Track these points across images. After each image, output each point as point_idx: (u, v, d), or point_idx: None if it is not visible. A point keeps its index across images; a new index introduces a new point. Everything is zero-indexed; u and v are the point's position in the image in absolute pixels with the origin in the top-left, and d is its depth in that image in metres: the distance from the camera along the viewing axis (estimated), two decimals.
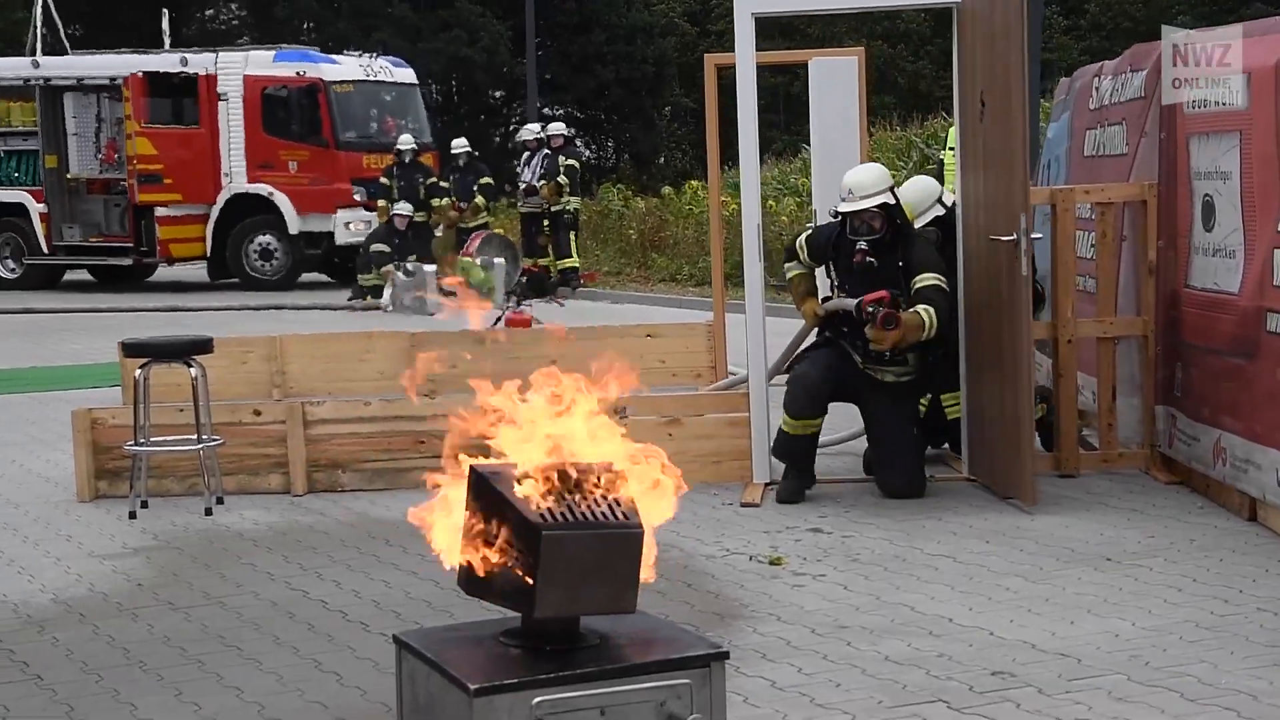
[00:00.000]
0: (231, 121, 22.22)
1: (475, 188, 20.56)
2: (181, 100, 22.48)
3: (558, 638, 4.10)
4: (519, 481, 4.03)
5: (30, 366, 13.04)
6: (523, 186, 20.83)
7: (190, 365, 7.37)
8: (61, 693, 4.71)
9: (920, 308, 7.18)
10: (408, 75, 24.15)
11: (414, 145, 21.19)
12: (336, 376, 10.92)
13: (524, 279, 19.63)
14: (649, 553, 4.26)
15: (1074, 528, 6.80)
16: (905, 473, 7.36)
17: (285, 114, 22.12)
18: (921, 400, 7.86)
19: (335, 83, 22.26)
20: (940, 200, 8.01)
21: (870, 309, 7.16)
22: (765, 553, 6.39)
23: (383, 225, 19.61)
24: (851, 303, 7.31)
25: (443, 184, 20.96)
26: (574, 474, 4.09)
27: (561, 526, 3.96)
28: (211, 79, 22.33)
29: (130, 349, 7.41)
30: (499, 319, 12.69)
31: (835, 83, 10.18)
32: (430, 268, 17.85)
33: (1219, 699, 4.61)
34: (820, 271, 7.69)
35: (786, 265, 7.75)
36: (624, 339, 10.99)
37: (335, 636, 5.31)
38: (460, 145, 21.16)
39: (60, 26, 26.18)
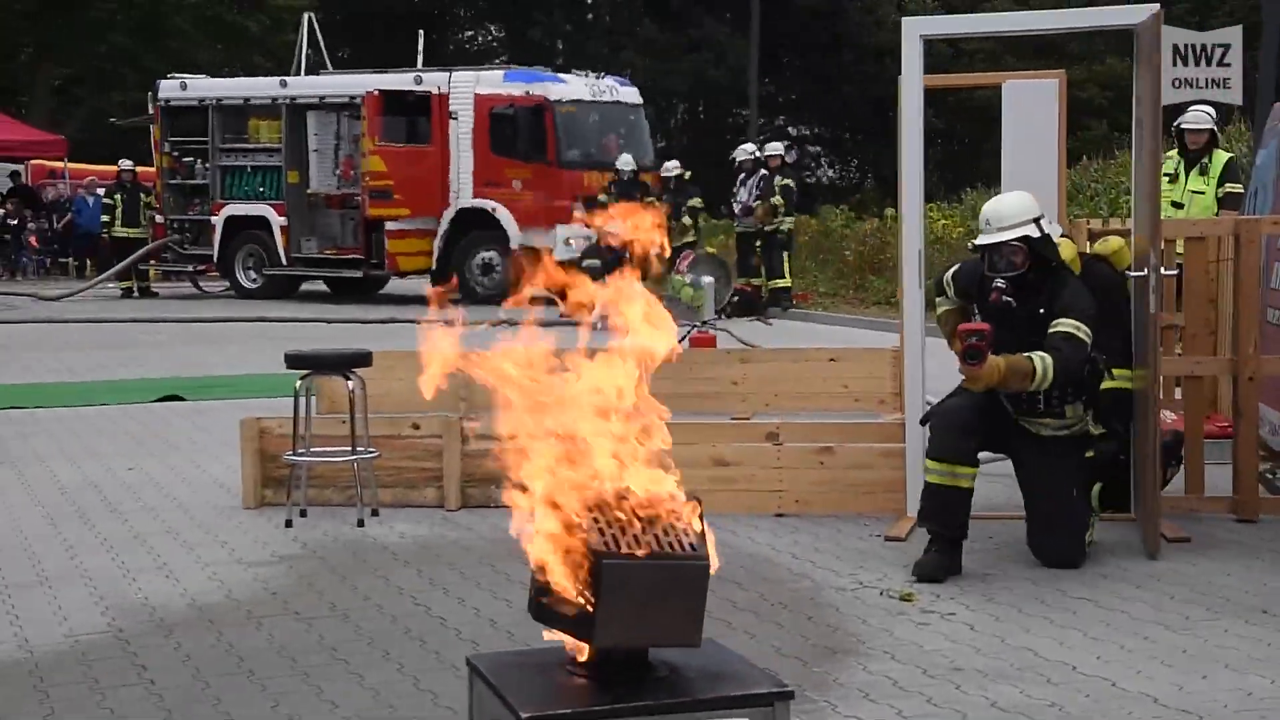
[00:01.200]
0: (461, 139, 22.76)
1: (684, 208, 20.66)
2: (414, 118, 23.12)
3: (623, 668, 4.07)
4: (588, 509, 4.01)
5: (249, 374, 13.46)
6: (738, 207, 20.85)
7: (349, 378, 7.54)
8: (167, 698, 4.85)
9: (1036, 354, 6.35)
10: (632, 95, 24.42)
11: (633, 165, 21.43)
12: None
13: (735, 298, 19.65)
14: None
15: (1236, 576, 6.49)
16: (1062, 539, 6.55)
17: (512, 132, 22.56)
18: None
19: (561, 102, 22.62)
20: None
21: (966, 338, 6.35)
22: (899, 588, 6.24)
23: (595, 243, 19.84)
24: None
25: (658, 203, 21.12)
26: (644, 502, 4.06)
27: (624, 556, 3.94)
28: (444, 98, 22.91)
29: (292, 361, 7.61)
30: (683, 338, 12.69)
31: (1031, 108, 9.91)
32: (639, 286, 17.94)
33: None
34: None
35: (937, 300, 7.17)
36: (807, 362, 10.86)
37: (442, 654, 5.36)
38: (672, 167, 21.34)
39: (323, 47, 27.23)
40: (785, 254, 20.48)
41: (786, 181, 20.73)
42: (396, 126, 23.09)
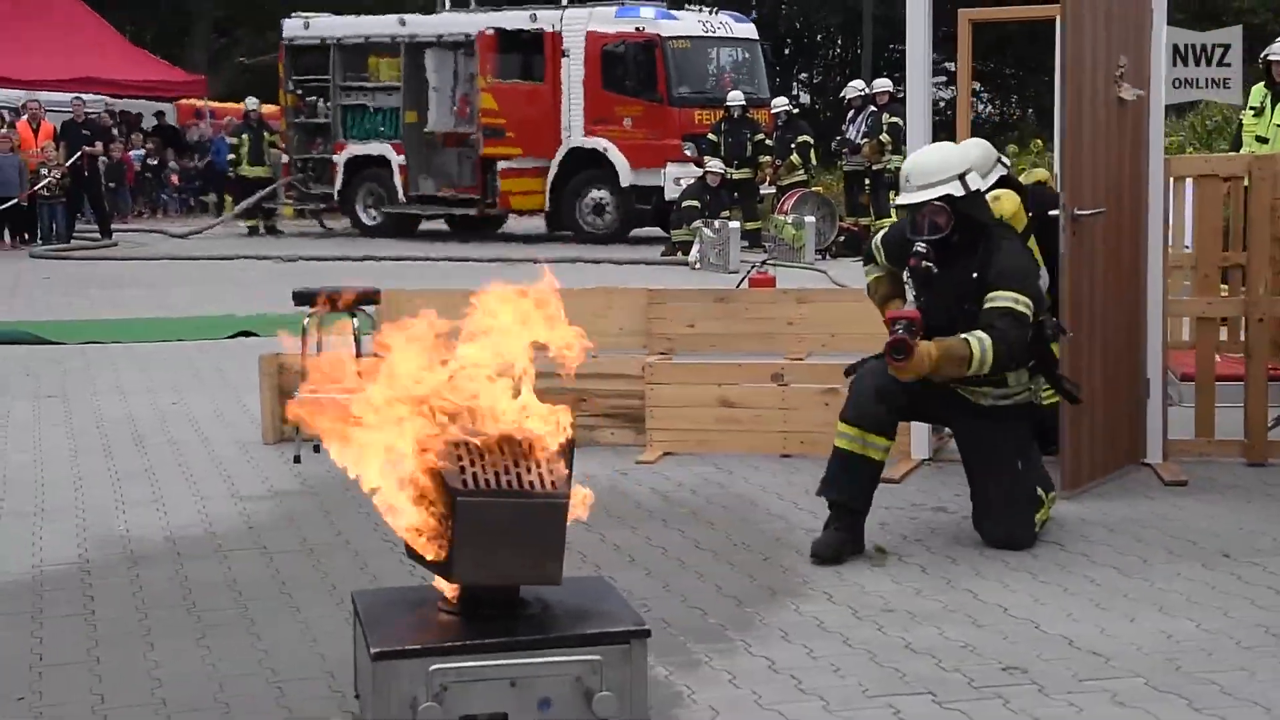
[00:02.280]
0: (572, 77, 22.83)
1: (792, 145, 20.52)
2: (528, 56, 23.26)
3: (491, 606, 4.18)
4: (450, 447, 4.09)
5: None
6: (846, 145, 20.68)
7: (354, 315, 7.71)
8: (100, 629, 5.05)
9: (970, 335, 5.72)
10: (748, 30, 24.28)
11: (743, 101, 21.34)
12: (586, 331, 11.12)
13: (841, 238, 19.52)
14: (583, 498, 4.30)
15: (1217, 520, 6.39)
16: (1006, 520, 5.90)
17: (623, 69, 22.58)
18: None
19: (672, 38, 22.57)
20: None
21: (891, 328, 5.79)
22: (876, 538, 6.17)
23: (697, 181, 19.83)
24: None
25: (768, 141, 21.03)
26: (512, 440, 4.14)
27: (479, 493, 4.03)
28: (556, 35, 22.99)
29: (299, 297, 7.79)
30: (743, 278, 12.70)
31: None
32: (735, 225, 17.94)
33: (1229, 710, 4.30)
34: None
35: (865, 269, 6.51)
36: (867, 303, 10.82)
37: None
38: (781, 103, 21.20)
39: None
40: (892, 193, 20.25)
41: (895, 119, 20.45)
42: (510, 64, 23.27)
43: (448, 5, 26.10)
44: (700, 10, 24.02)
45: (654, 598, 5.45)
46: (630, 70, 22.59)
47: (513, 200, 23.19)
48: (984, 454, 5.97)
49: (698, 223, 18.53)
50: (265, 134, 25.27)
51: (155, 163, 29.58)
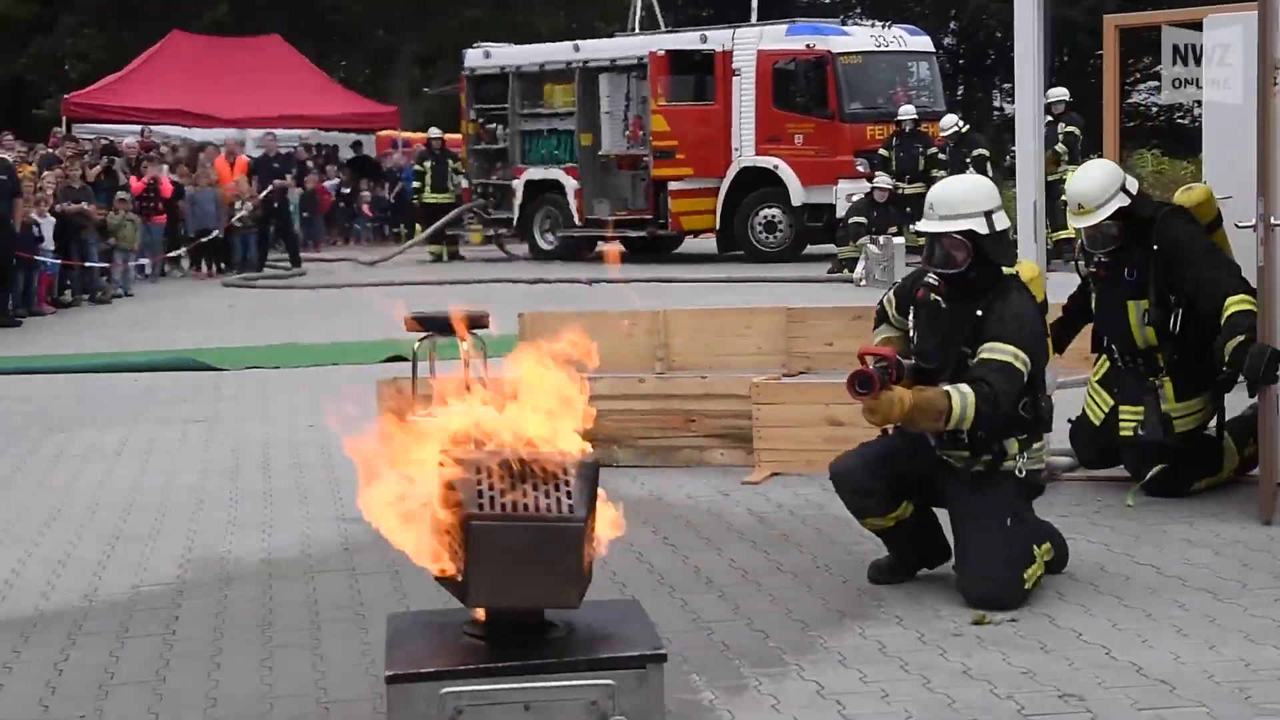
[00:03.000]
0: (743, 96, 22.82)
1: (967, 160, 20.19)
2: (699, 77, 23.33)
3: (515, 630, 4.21)
4: (466, 467, 4.14)
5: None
6: None
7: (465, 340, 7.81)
8: (175, 649, 5.23)
9: (953, 388, 5.45)
10: (922, 43, 24.01)
11: (914, 115, 21.11)
12: (718, 351, 11.14)
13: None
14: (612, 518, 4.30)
15: None
16: (986, 573, 5.48)
17: (794, 87, 22.51)
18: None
19: (844, 54, 22.42)
20: (1125, 188, 6.86)
21: (863, 360, 5.55)
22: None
23: (864, 197, 19.65)
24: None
25: (941, 155, 20.75)
26: (523, 460, 4.17)
27: (491, 517, 4.07)
28: (727, 55, 23.01)
29: (415, 321, 7.93)
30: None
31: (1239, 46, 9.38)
32: (900, 241, 17.73)
33: None
34: None
35: (874, 331, 6.10)
36: None
37: None
38: (949, 122, 20.87)
39: (657, 6, 27.77)
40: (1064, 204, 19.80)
41: (1071, 129, 20.02)
42: (681, 86, 23.34)
43: (637, 28, 26.46)
44: (873, 25, 23.80)
45: (721, 620, 5.43)
46: (801, 88, 22.49)
47: (684, 221, 23.26)
48: (972, 513, 5.60)
49: (864, 239, 18.36)
50: (449, 161, 25.77)
51: (349, 192, 30.38)
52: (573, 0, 47.04)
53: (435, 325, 7.92)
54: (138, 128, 28.87)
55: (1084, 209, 6.88)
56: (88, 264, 18.82)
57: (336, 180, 30.47)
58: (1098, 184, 6.91)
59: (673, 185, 23.07)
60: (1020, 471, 5.68)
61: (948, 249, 5.64)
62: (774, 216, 22.66)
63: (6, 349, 14.25)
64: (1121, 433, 6.96)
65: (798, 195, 22.31)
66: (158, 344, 14.04)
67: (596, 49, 25.13)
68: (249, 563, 6.36)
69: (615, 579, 5.98)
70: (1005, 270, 5.74)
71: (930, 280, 5.74)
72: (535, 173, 24.76)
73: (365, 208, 30.62)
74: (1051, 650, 4.99)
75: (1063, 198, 7.34)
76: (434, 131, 26.15)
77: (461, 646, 4.15)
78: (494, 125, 25.56)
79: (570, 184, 24.31)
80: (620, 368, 10.72)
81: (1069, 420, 7.24)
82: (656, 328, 11.37)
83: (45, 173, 18.92)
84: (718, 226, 23.12)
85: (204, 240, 22.37)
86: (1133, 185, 6.92)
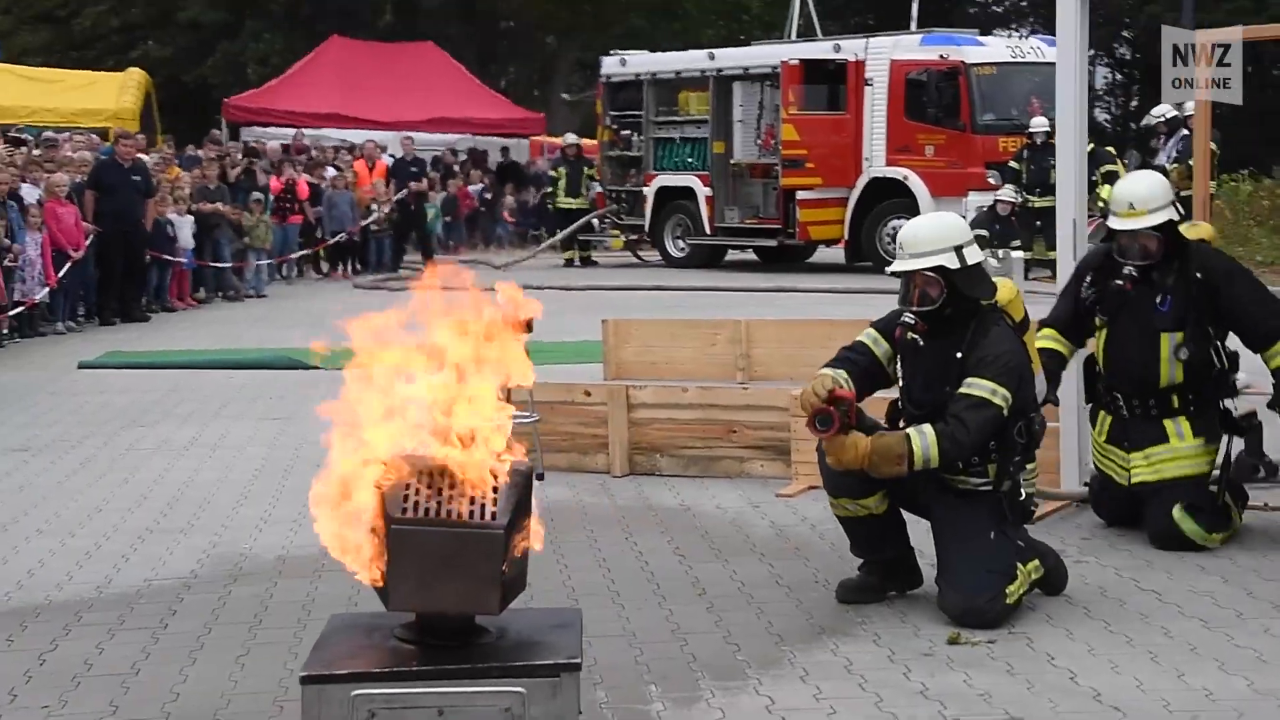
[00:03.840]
0: (875, 106, 22.64)
1: (1093, 178, 19.77)
2: (831, 87, 23.21)
3: (442, 633, 4.26)
4: (392, 471, 4.21)
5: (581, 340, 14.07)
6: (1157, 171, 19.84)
7: None
8: (161, 642, 5.39)
9: (913, 430, 5.49)
10: None
11: (1047, 127, 20.71)
12: (801, 362, 11.05)
13: None
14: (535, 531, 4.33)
15: None
16: (963, 593, 5.42)
17: (926, 97, 22.27)
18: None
19: (978, 65, 22.12)
20: (1176, 205, 6.64)
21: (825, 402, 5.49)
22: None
23: (987, 210, 19.38)
24: None
25: None
26: (448, 465, 4.21)
27: (412, 521, 4.13)
28: (860, 64, 22.84)
29: None
30: None
31: None
32: (1018, 255, 17.40)
33: None
34: None
35: (824, 368, 5.82)
36: None
37: None
38: (1039, 125, 20.40)
39: (814, 15, 27.76)
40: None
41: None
42: (813, 95, 23.22)
43: (794, 34, 26.50)
44: (1010, 35, 23.43)
45: (700, 632, 5.44)
46: (934, 98, 22.22)
47: (811, 230, 23.13)
48: (955, 526, 5.60)
49: (985, 252, 18.06)
50: (584, 168, 25.99)
51: (491, 197, 30.78)
52: (733, 8, 47.26)
53: None
54: (293, 131, 29.74)
55: (1135, 210, 6.57)
56: (218, 263, 19.32)
57: (480, 185, 30.90)
58: (1153, 188, 6.67)
59: (801, 194, 22.96)
60: (1015, 492, 5.63)
61: (921, 286, 5.64)
62: (902, 228, 22.41)
63: (129, 343, 14.72)
64: (1135, 479, 6.63)
65: (926, 206, 22.03)
66: (271, 342, 14.36)
67: (731, 57, 25.13)
68: (264, 560, 6.52)
69: (611, 586, 6.03)
70: (984, 303, 5.67)
71: (907, 319, 5.69)
72: (667, 179, 24.85)
73: (506, 213, 30.98)
74: (1016, 673, 4.92)
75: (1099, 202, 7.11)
76: (569, 138, 26.39)
77: (387, 649, 4.19)
78: (628, 132, 25.72)
79: (702, 191, 24.34)
80: (702, 376, 10.79)
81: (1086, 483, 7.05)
82: (738, 337, 11.39)
83: (182, 173, 19.48)
84: (846, 236, 22.98)
85: (334, 241, 22.81)
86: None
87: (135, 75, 31.20)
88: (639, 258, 26.26)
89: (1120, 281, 6.62)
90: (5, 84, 29.93)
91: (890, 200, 22.44)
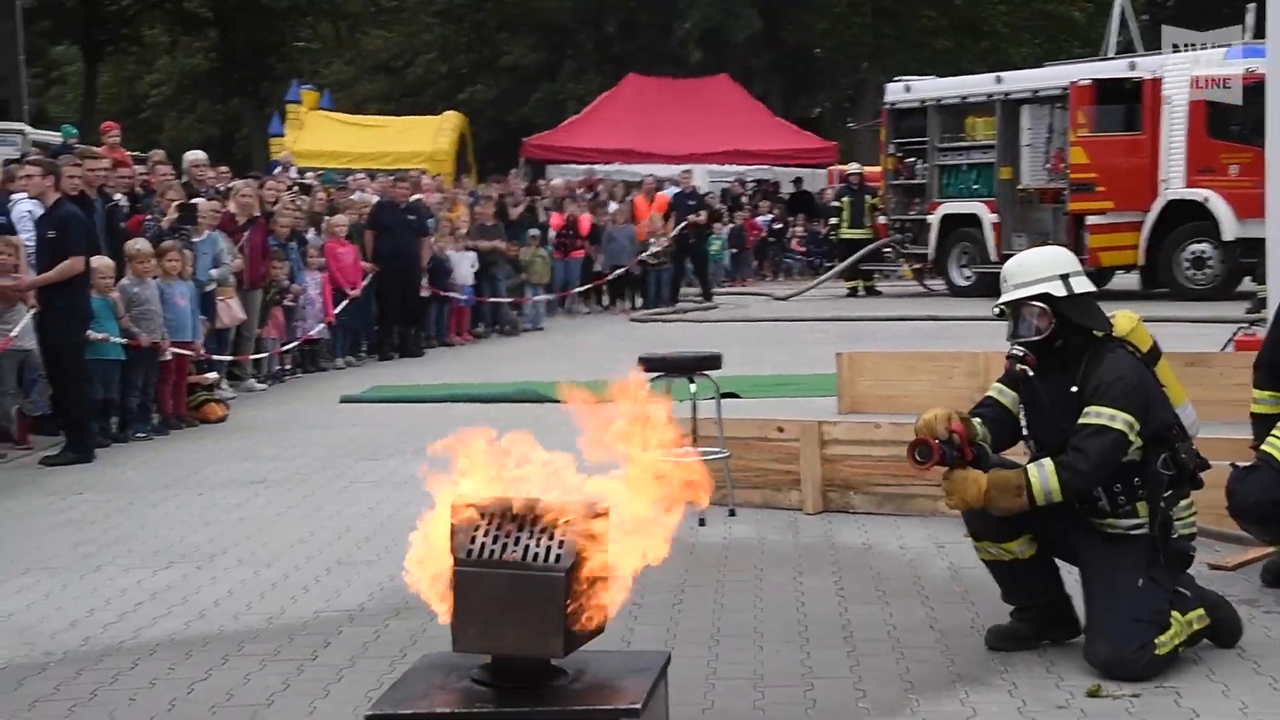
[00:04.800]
0: (1173, 125, 21.74)
1: None
2: (1124, 106, 22.38)
3: (516, 676, 4.27)
4: (461, 513, 4.24)
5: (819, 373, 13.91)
6: None
7: (692, 381, 7.88)
8: (307, 674, 5.54)
9: (1032, 465, 5.31)
10: None
11: None
12: None
13: None
14: (609, 594, 4.27)
15: None
16: (1107, 641, 5.15)
17: (1230, 115, 21.26)
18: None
19: None
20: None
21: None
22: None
23: None
24: None
25: None
26: (521, 509, 4.22)
27: (476, 564, 4.15)
28: (1156, 83, 21.98)
29: (645, 363, 8.03)
30: (1228, 341, 11.63)
31: None
32: None
33: None
34: None
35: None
36: None
37: None
38: None
39: (1134, 27, 27.00)
40: None
41: None
42: (1105, 116, 22.43)
43: (1112, 52, 25.81)
44: None
45: (831, 676, 5.30)
46: (1239, 115, 21.20)
47: (1102, 257, 22.27)
48: (1102, 572, 5.33)
49: None
50: (866, 197, 25.76)
51: (779, 227, 30.80)
52: (1046, 25, 46.17)
53: (664, 366, 7.99)
54: (586, 167, 30.44)
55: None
56: (494, 299, 19.84)
57: (769, 215, 30.96)
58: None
59: (1091, 219, 22.20)
60: (1168, 532, 5.32)
61: (1027, 318, 5.45)
62: (1203, 252, 21.47)
63: (401, 377, 15.23)
64: None
65: (1230, 229, 21.04)
66: (537, 375, 14.64)
67: (1019, 80, 24.55)
68: (409, 597, 6.60)
69: (759, 627, 5.92)
70: (1098, 334, 5.42)
71: (1015, 352, 5.51)
72: (952, 207, 24.40)
73: (795, 243, 30.94)
74: None
75: None
76: (853, 167, 26.21)
77: (459, 690, 4.22)
78: (912, 159, 25.37)
79: (988, 218, 23.81)
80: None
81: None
82: (977, 370, 11.07)
83: (463, 210, 20.10)
84: (1142, 262, 22.08)
85: (613, 276, 23.15)
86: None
87: (451, 118, 32.53)
88: (925, 287, 25.85)
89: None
90: (331, 131, 31.70)
91: (1190, 223, 21.52)
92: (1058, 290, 5.42)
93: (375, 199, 18.33)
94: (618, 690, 4.15)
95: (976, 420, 5.60)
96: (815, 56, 47.51)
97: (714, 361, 8.05)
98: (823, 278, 26.43)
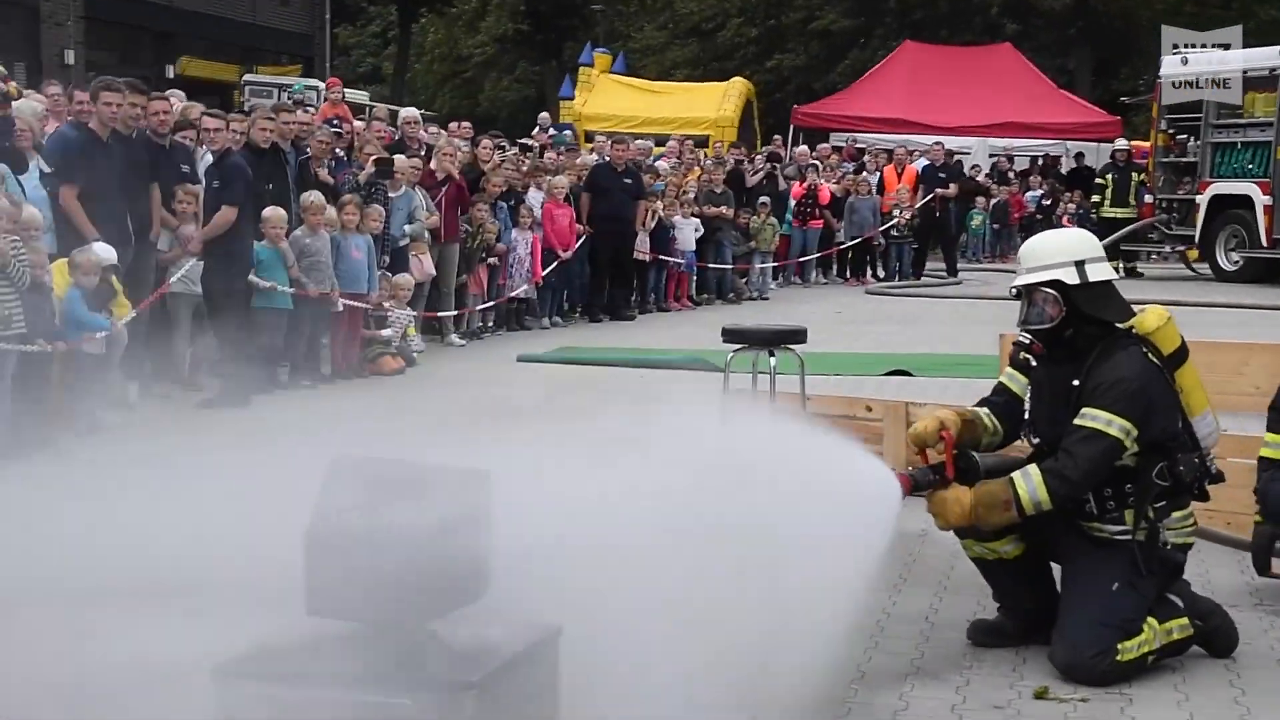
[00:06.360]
0: None
1: None
2: None
3: None
4: None
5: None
6: None
7: (772, 354, 7.70)
8: None
9: (1020, 472, 5.02)
10: None
11: None
12: (1211, 389, 10.14)
13: None
14: None
15: None
16: (1073, 644, 4.89)
17: None
18: None
19: None
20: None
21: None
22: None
23: None
24: None
25: None
26: None
27: None
28: None
29: (727, 334, 7.89)
30: None
31: None
32: None
33: None
34: None
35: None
36: None
37: None
38: None
39: None
40: None
41: None
42: None
43: None
44: None
45: (786, 663, 5.07)
46: None
47: None
48: (1079, 575, 5.09)
49: None
50: (1133, 174, 24.69)
51: (1049, 203, 29.81)
52: None
53: (745, 338, 7.84)
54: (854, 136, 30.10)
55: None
56: (714, 264, 19.77)
57: (1039, 190, 29.99)
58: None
59: None
60: (1154, 542, 5.01)
61: (1038, 304, 5.19)
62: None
63: (599, 340, 15.35)
64: None
65: None
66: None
67: None
68: None
69: None
70: (1119, 326, 5.10)
71: (1022, 339, 5.27)
72: (1222, 187, 23.16)
73: (1065, 220, 29.87)
74: None
75: None
76: (1120, 143, 25.11)
77: None
78: (1185, 136, 24.19)
79: (1261, 200, 22.51)
80: None
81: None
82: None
83: (688, 177, 20.08)
84: None
85: (847, 246, 22.78)
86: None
87: (737, 85, 32.61)
88: (1192, 270, 24.67)
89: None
90: (619, 95, 32.10)
91: None
92: (1070, 278, 5.14)
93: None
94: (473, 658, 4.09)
95: (985, 411, 5.40)
96: (1130, 27, 45.58)
97: (798, 336, 7.84)
98: None
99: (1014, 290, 5.32)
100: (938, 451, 5.14)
